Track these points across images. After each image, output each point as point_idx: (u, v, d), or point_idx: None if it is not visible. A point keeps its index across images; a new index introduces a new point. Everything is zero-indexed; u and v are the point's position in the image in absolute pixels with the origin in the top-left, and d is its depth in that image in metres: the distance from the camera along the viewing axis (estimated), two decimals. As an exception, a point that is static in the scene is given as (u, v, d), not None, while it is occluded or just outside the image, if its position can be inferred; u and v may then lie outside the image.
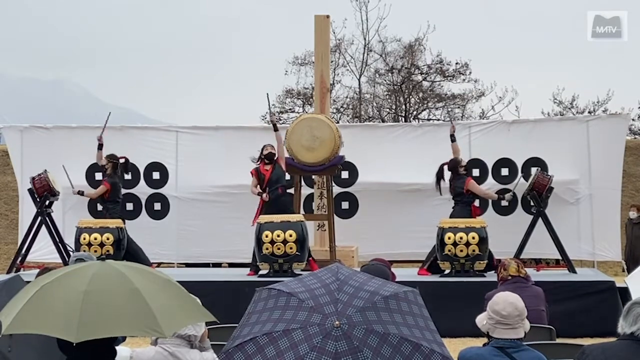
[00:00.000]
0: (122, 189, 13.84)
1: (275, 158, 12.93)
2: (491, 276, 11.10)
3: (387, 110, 31.11)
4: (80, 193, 13.65)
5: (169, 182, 14.98)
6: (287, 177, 13.29)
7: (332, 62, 26.98)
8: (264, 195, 12.68)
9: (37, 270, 7.25)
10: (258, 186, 12.85)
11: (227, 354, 3.78)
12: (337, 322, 3.66)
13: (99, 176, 14.15)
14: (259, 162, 12.98)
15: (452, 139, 13.34)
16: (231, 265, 15.39)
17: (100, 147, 13.65)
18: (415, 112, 30.67)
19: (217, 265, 15.81)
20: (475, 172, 14.08)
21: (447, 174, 13.17)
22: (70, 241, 13.30)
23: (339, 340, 3.62)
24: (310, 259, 12.60)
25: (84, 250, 11.98)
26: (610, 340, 4.44)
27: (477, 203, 13.28)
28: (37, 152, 14.84)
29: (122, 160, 13.70)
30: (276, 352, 3.63)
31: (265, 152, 12.94)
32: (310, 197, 14.64)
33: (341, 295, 3.80)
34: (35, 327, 3.38)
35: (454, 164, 13.02)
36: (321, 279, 3.94)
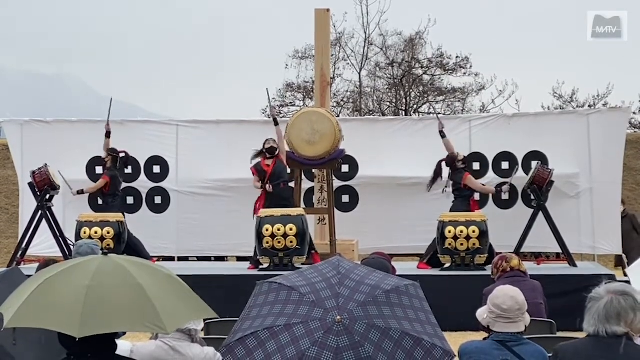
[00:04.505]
0: (122, 182, 13.87)
1: (276, 153, 12.94)
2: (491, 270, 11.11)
3: (388, 104, 31.07)
4: (80, 192, 13.69)
5: (170, 175, 14.99)
6: (289, 170, 13.31)
7: (332, 55, 26.92)
8: (268, 186, 12.69)
9: (38, 264, 7.25)
10: (260, 182, 12.86)
11: (228, 348, 3.78)
12: (338, 317, 3.66)
13: (99, 170, 14.19)
14: (259, 157, 12.98)
15: (442, 135, 13.31)
16: (239, 259, 15.39)
17: (108, 134, 13.73)
18: (415, 106, 30.62)
19: (221, 259, 15.82)
20: (476, 166, 14.09)
21: (446, 170, 13.18)
22: (70, 235, 13.31)
23: (341, 335, 3.62)
24: (314, 252, 12.68)
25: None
26: (582, 337, 4.32)
27: (477, 197, 13.31)
28: (37, 146, 14.83)
29: (122, 155, 13.73)
30: (277, 347, 3.63)
31: (267, 146, 12.95)
32: (310, 191, 14.63)
33: (342, 289, 3.79)
34: (38, 321, 3.37)
35: (451, 160, 13.03)
36: (322, 273, 3.93)
